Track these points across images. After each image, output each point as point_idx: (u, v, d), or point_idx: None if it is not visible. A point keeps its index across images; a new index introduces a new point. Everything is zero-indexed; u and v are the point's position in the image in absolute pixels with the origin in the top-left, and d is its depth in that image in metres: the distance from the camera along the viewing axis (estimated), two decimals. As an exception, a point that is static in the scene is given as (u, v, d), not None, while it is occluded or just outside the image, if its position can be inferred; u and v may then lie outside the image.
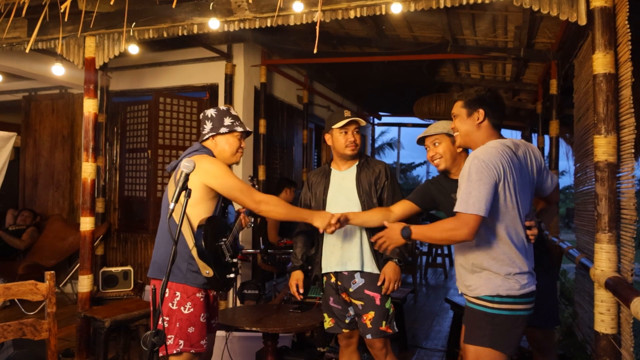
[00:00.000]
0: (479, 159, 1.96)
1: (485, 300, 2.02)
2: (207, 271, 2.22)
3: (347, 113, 2.70)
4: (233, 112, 2.48)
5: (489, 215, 1.95)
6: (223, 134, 2.40)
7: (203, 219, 2.24)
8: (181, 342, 2.21)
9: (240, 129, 2.43)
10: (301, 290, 2.79)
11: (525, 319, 2.03)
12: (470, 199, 1.92)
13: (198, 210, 2.27)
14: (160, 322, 2.16)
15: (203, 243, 2.19)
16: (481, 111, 2.11)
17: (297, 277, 2.80)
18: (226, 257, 2.33)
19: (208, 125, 2.43)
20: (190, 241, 2.23)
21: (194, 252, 2.22)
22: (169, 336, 2.20)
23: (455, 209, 1.96)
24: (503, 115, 2.18)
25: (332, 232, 2.47)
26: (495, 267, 2.01)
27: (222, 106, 2.49)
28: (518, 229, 2.03)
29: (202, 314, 2.28)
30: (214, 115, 2.44)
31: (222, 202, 2.14)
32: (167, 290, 2.20)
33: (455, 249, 2.20)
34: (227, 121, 2.42)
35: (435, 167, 2.57)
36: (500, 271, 2.00)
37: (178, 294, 2.23)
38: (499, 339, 1.99)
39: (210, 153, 2.39)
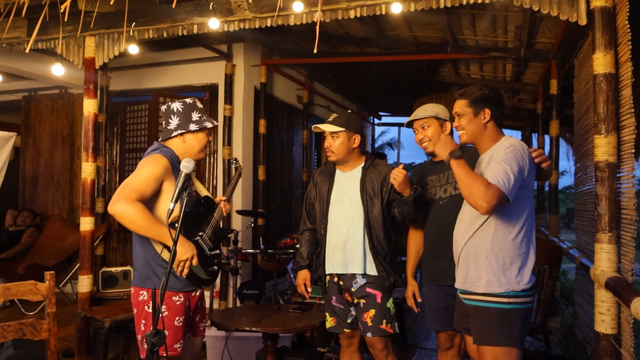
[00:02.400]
0: (516, 147, 1.99)
1: (520, 297, 1.99)
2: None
3: (330, 117, 2.69)
4: (199, 105, 2.34)
5: (526, 205, 2.01)
6: (193, 131, 2.28)
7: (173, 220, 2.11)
8: None
9: (209, 125, 2.31)
10: (309, 289, 2.80)
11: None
12: (508, 177, 1.90)
13: (154, 211, 2.16)
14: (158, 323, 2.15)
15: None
16: (487, 111, 2.11)
17: (304, 277, 2.80)
18: (205, 251, 2.27)
19: (174, 121, 2.27)
20: (157, 245, 2.15)
21: (165, 255, 2.14)
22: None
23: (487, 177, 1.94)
24: (504, 112, 2.20)
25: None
26: (517, 260, 2.01)
27: (187, 99, 2.33)
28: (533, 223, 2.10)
29: (177, 318, 2.20)
30: (180, 110, 2.28)
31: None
32: (145, 292, 2.19)
33: (487, 246, 2.03)
34: (195, 116, 2.29)
35: (423, 149, 2.59)
36: (525, 264, 2.02)
37: None
38: (517, 335, 2.00)
39: (169, 152, 2.25)
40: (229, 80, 5.29)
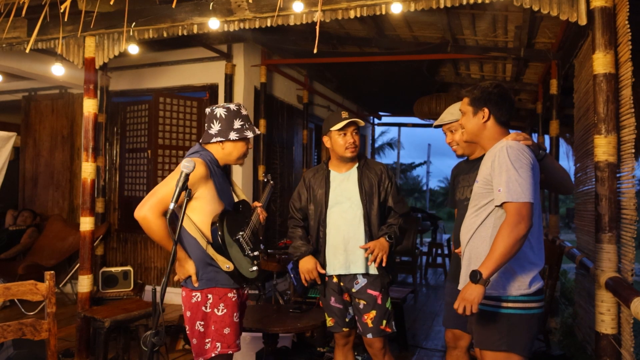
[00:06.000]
0: (513, 148, 1.91)
1: (521, 302, 1.93)
2: (227, 265, 2.16)
3: (344, 114, 2.66)
4: (243, 112, 2.30)
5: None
6: (232, 140, 2.25)
7: (216, 216, 2.18)
8: (218, 344, 2.18)
9: (250, 135, 2.27)
10: (322, 272, 2.64)
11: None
12: (516, 187, 1.84)
13: (195, 215, 2.18)
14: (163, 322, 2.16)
15: (219, 239, 2.14)
16: (486, 110, 2.07)
17: (313, 261, 2.64)
18: (246, 250, 2.27)
19: (215, 127, 2.25)
20: (203, 242, 2.18)
21: (210, 251, 2.16)
22: (206, 340, 2.18)
23: (501, 201, 1.86)
24: (511, 111, 2.12)
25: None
26: (517, 263, 1.92)
27: (232, 105, 2.28)
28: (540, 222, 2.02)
29: (235, 314, 2.25)
30: (223, 116, 2.25)
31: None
32: (198, 294, 2.19)
33: (485, 247, 1.95)
34: (237, 124, 2.25)
35: (453, 152, 2.60)
36: (526, 267, 1.93)
37: (210, 296, 2.20)
38: (518, 342, 1.93)
39: (208, 156, 2.25)
40: (229, 80, 5.29)
